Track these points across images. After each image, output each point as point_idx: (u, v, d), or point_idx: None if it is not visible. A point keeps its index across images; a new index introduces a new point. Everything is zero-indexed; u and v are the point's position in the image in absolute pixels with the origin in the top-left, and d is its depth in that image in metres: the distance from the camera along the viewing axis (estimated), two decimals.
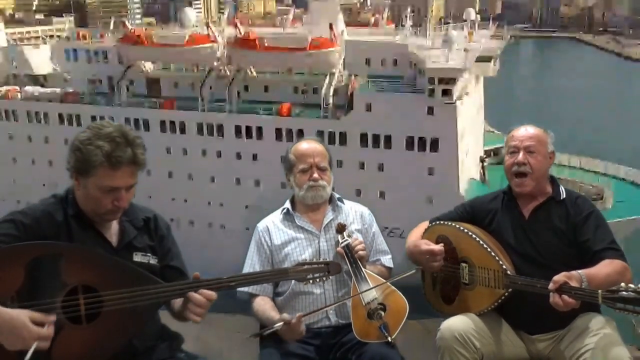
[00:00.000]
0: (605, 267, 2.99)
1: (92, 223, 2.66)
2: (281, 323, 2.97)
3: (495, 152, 38.51)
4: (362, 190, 30.95)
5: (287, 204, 3.59)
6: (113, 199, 2.59)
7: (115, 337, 2.48)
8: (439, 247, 3.36)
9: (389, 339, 3.07)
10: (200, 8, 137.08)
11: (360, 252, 3.33)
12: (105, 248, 2.65)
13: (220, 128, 34.37)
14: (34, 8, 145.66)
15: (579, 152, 36.65)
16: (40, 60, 39.99)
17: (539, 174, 3.31)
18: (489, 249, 3.23)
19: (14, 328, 2.22)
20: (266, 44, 33.91)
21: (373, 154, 31.63)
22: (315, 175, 3.43)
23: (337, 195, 3.61)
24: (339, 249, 3.35)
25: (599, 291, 2.72)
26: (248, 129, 33.86)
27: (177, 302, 2.67)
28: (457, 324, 3.19)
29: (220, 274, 2.77)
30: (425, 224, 3.66)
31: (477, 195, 3.75)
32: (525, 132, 3.38)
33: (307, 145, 3.53)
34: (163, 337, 2.85)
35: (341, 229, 3.39)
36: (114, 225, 2.73)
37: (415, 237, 3.57)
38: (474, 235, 3.32)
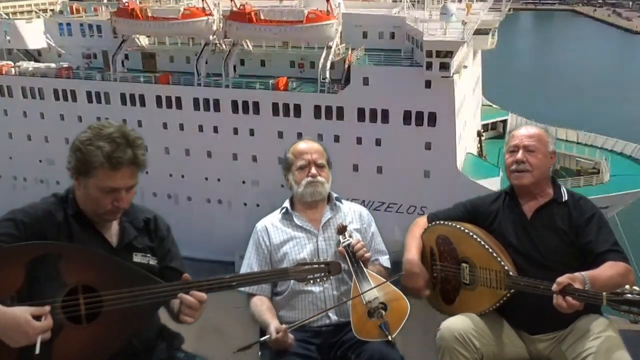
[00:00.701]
0: (608, 269, 2.99)
1: (92, 223, 2.68)
2: (267, 336, 3.02)
3: (493, 126, 38.52)
4: (360, 165, 30.97)
5: (286, 204, 3.62)
6: (113, 200, 2.59)
7: (115, 337, 2.50)
8: (424, 294, 3.44)
9: (390, 337, 3.07)
10: None
11: (366, 255, 3.36)
12: (105, 248, 2.66)
13: (216, 103, 34.19)
14: None
15: (577, 126, 36.63)
16: (34, 34, 39.50)
17: (538, 173, 3.32)
18: (490, 250, 3.23)
19: (18, 326, 2.25)
20: (262, 17, 33.54)
21: (370, 128, 31.53)
22: (314, 171, 3.46)
23: (335, 195, 3.63)
24: (340, 248, 3.38)
25: (604, 293, 2.73)
26: (245, 103, 33.69)
27: (176, 303, 2.68)
28: (457, 323, 3.19)
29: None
30: (423, 221, 3.65)
31: (476, 195, 3.71)
32: (525, 131, 3.40)
33: (305, 143, 3.58)
34: (163, 337, 2.86)
35: (342, 229, 3.42)
36: (114, 226, 2.74)
37: (416, 246, 3.52)
38: (474, 236, 3.32)
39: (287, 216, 3.57)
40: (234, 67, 35.20)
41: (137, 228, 2.79)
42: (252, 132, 33.80)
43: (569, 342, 3.12)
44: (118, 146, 2.53)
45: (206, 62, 34.94)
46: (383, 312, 3.15)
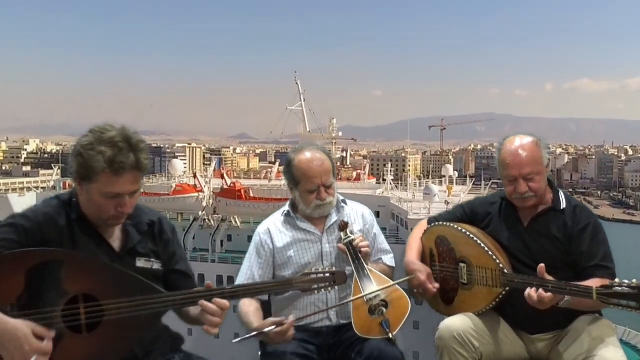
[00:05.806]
0: (593, 285, 2.94)
1: (95, 228, 2.60)
2: (272, 327, 2.87)
3: None
4: None
5: (287, 207, 3.51)
6: (116, 205, 2.51)
7: (115, 347, 2.44)
8: (431, 287, 3.37)
9: (391, 335, 3.01)
10: (186, 162, 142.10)
11: (364, 250, 3.27)
12: (108, 253, 2.59)
13: (201, 278, 33.61)
14: (22, 161, 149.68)
15: None
16: (23, 208, 39.99)
17: (541, 191, 3.28)
18: (486, 249, 3.23)
19: (16, 339, 2.16)
20: (252, 195, 34.65)
21: None
22: (323, 195, 3.36)
23: (340, 198, 3.54)
24: (340, 245, 3.30)
25: (594, 287, 2.73)
26: (230, 278, 33.28)
27: (193, 309, 2.65)
28: (456, 323, 3.15)
29: None
30: (424, 224, 3.69)
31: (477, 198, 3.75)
32: (520, 158, 3.22)
33: (313, 161, 3.36)
34: (163, 338, 2.79)
35: (344, 226, 3.35)
36: (117, 230, 2.67)
37: (416, 248, 3.55)
38: (472, 236, 3.33)
39: (289, 219, 3.44)
40: (221, 242, 35.46)
41: (140, 232, 2.69)
42: (234, 309, 32.87)
43: (567, 343, 3.07)
44: (120, 151, 2.43)
45: (193, 237, 35.21)
46: (384, 309, 3.07)
